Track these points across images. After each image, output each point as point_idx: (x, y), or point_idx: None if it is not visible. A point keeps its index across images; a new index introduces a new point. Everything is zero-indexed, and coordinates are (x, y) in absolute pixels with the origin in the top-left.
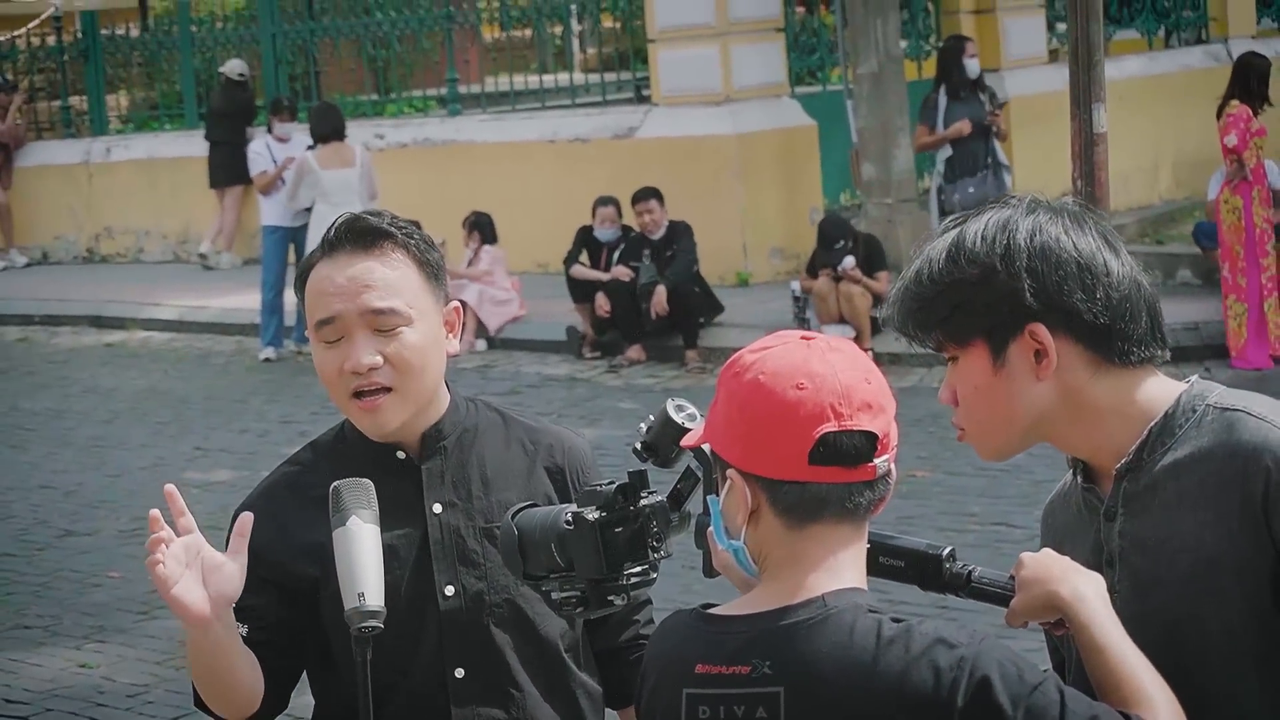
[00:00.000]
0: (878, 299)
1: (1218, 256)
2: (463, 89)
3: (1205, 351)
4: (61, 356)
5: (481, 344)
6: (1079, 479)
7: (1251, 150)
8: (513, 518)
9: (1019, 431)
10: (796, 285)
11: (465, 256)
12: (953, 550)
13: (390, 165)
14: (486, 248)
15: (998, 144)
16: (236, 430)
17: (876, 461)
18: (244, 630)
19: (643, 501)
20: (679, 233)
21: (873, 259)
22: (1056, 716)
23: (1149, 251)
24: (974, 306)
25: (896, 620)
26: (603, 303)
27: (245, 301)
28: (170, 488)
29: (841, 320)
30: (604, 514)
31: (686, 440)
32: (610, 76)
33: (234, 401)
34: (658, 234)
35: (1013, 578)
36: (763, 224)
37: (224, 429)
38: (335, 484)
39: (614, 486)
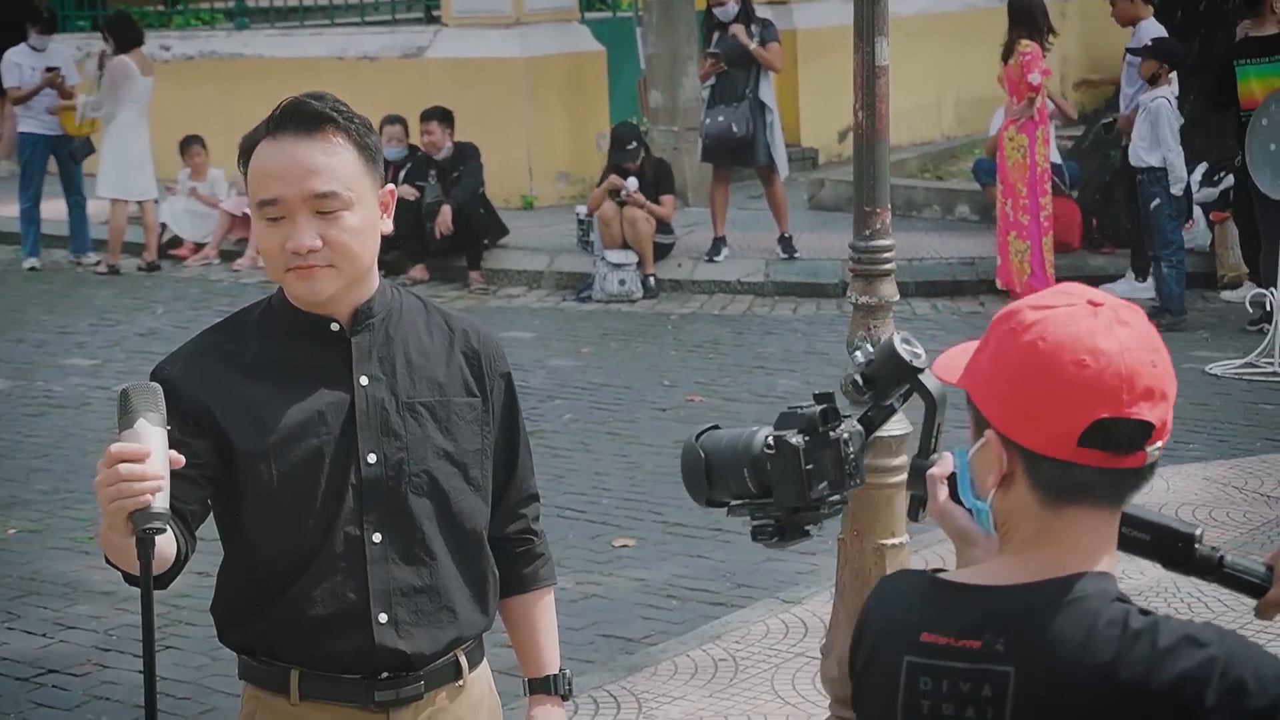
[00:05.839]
0: (661, 224)
1: (995, 193)
2: (250, 3)
3: (981, 286)
4: None
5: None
6: None
7: (1041, 90)
8: (696, 439)
9: None
10: (581, 209)
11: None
12: (1203, 531)
13: (177, 78)
14: None
15: (764, 79)
16: (13, 339)
17: (1148, 450)
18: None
19: (840, 426)
20: (466, 154)
21: (661, 182)
22: None
23: (929, 187)
24: None
25: (1144, 613)
26: None
27: None
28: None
29: (625, 245)
30: (808, 438)
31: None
32: None
33: (10, 311)
34: (441, 154)
35: (1269, 568)
36: (549, 148)
37: (0, 338)
38: (124, 387)
39: (817, 410)
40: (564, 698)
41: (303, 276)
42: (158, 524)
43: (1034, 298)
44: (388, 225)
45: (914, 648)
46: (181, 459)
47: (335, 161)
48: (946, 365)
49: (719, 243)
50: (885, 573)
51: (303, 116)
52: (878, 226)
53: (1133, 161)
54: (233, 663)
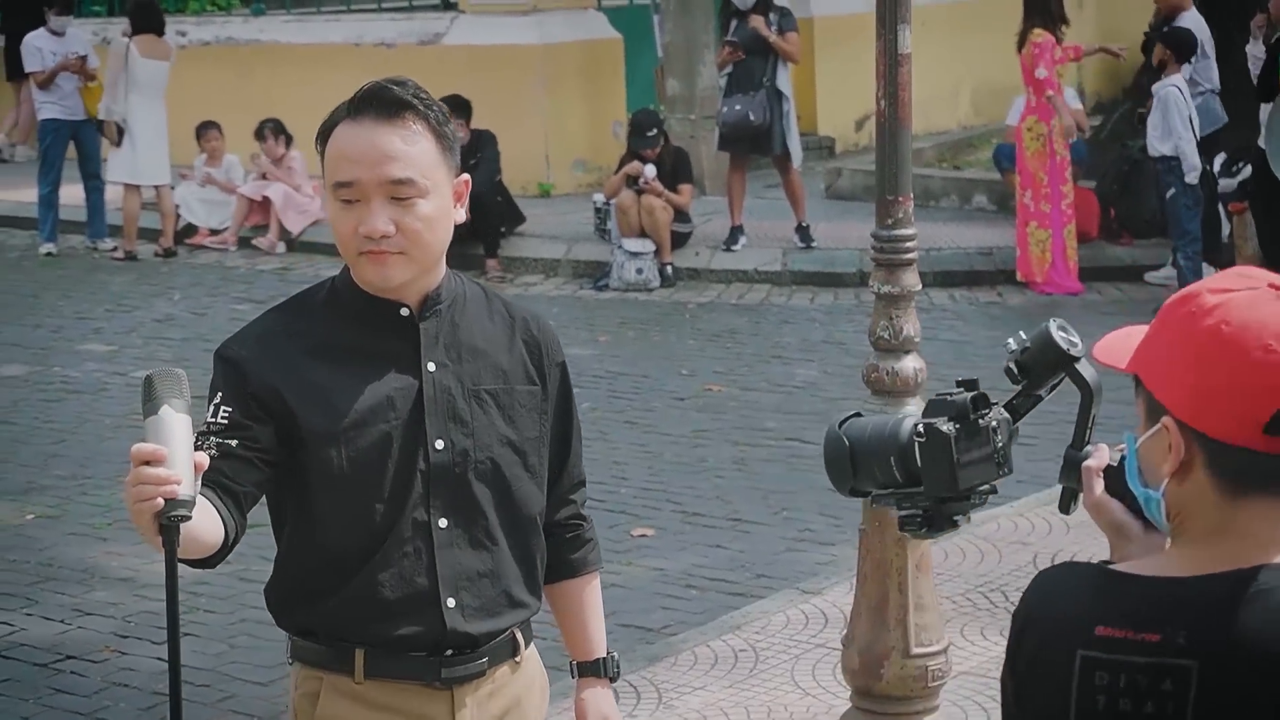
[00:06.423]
0: (679, 212)
1: (1014, 180)
2: None
3: (998, 276)
4: None
5: (281, 246)
6: None
7: (1050, 85)
8: (839, 425)
9: None
10: (599, 197)
11: (262, 160)
12: None
13: (192, 64)
14: (296, 153)
15: (781, 68)
16: (30, 325)
17: None
18: (233, 444)
19: (989, 414)
20: (483, 141)
21: (679, 171)
22: None
23: (946, 177)
24: None
25: None
26: None
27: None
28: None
29: (642, 234)
30: (958, 426)
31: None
32: None
33: (26, 296)
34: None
35: None
36: (566, 135)
37: (16, 323)
38: (148, 373)
39: (967, 397)
40: (612, 679)
41: (375, 261)
42: (182, 511)
43: (1211, 280)
44: (461, 214)
45: (1088, 642)
46: (205, 460)
47: (413, 149)
48: (1109, 350)
49: (736, 231)
50: (906, 564)
51: (383, 102)
52: (900, 215)
53: (1150, 151)
54: (252, 650)
